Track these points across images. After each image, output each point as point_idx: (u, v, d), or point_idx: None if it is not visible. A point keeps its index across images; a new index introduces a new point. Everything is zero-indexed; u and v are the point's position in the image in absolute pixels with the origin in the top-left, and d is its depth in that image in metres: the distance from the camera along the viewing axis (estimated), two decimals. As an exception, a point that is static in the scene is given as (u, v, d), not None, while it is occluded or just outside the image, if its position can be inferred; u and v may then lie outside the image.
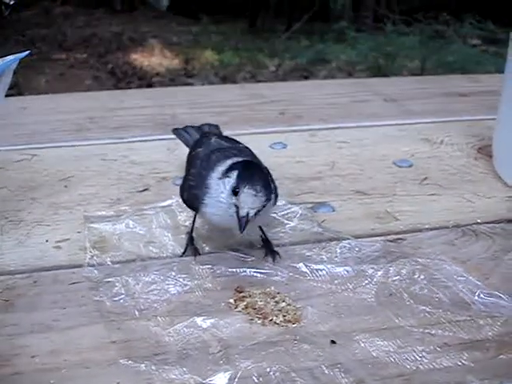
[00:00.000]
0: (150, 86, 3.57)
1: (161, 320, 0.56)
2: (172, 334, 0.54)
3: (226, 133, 0.76)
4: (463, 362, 0.52)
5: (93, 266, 0.63)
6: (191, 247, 0.66)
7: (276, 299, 0.58)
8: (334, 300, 0.59)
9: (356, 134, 0.97)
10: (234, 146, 0.69)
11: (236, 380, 0.49)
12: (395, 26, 4.13)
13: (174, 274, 0.62)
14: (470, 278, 0.62)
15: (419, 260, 0.65)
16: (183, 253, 0.66)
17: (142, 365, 0.50)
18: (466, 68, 3.29)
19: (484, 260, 0.66)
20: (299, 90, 1.21)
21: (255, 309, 0.57)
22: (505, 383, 0.50)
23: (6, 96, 0.72)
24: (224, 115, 1.03)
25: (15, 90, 2.76)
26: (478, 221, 0.73)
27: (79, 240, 0.68)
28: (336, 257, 0.65)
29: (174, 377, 0.49)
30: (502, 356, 0.52)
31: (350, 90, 1.19)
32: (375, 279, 0.62)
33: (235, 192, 0.58)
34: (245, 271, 0.63)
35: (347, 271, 0.63)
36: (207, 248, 0.67)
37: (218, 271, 0.63)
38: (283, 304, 0.58)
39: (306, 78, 3.67)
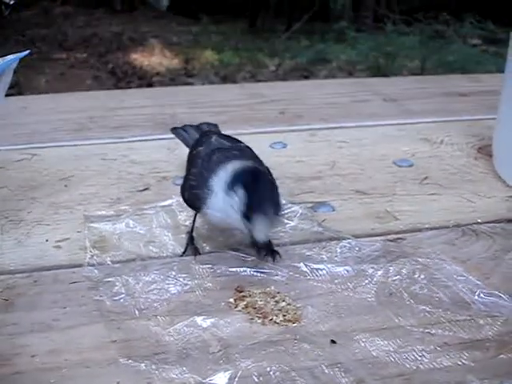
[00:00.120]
0: (150, 85, 3.57)
1: (161, 319, 0.56)
2: (172, 334, 0.54)
3: (226, 132, 0.76)
4: (463, 361, 0.51)
5: (93, 265, 0.63)
6: (191, 247, 0.66)
7: (276, 299, 0.58)
8: (334, 299, 0.59)
9: (356, 133, 0.97)
10: (235, 146, 0.68)
11: (236, 379, 0.49)
12: (395, 26, 4.13)
13: (174, 273, 0.62)
14: (470, 277, 0.62)
15: (419, 259, 0.65)
16: (183, 252, 0.66)
17: (142, 364, 0.50)
18: (466, 68, 3.29)
19: (484, 260, 0.66)
20: (299, 90, 1.21)
21: (255, 308, 0.57)
22: (505, 383, 0.50)
23: (7, 95, 0.72)
24: (224, 115, 1.03)
25: (15, 89, 2.76)
26: (479, 220, 0.73)
27: (79, 239, 0.68)
28: (336, 256, 0.65)
29: (174, 376, 0.49)
30: (502, 355, 0.52)
31: (350, 89, 1.19)
32: (375, 279, 0.62)
33: (247, 218, 0.58)
34: (245, 271, 0.63)
35: (347, 271, 0.63)
36: (207, 247, 0.67)
37: (218, 271, 0.63)
38: (283, 303, 0.58)
39: (306, 77, 3.67)
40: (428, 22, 4.05)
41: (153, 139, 0.93)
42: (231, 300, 0.58)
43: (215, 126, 0.81)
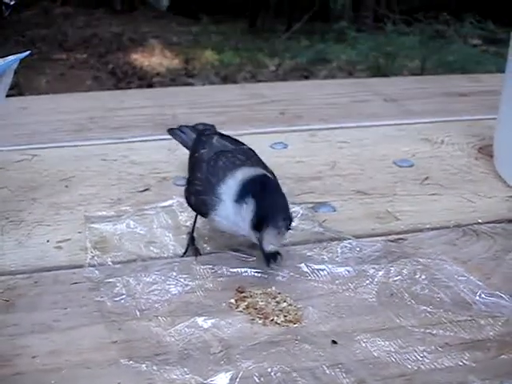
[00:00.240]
0: (150, 86, 3.57)
1: (162, 320, 0.56)
2: (173, 334, 0.54)
3: (226, 133, 0.76)
4: (464, 361, 0.51)
5: (94, 266, 0.63)
6: (192, 247, 0.66)
7: (277, 299, 0.58)
8: (335, 300, 0.59)
9: (356, 133, 0.97)
10: (239, 149, 0.68)
11: (237, 380, 0.49)
12: (395, 26, 4.13)
13: (174, 274, 0.62)
14: (471, 278, 0.62)
15: (420, 260, 0.65)
16: (184, 253, 0.66)
17: (143, 365, 0.50)
18: (467, 68, 3.29)
19: (485, 260, 0.66)
20: (299, 90, 1.21)
21: (256, 309, 0.57)
22: (505, 383, 0.50)
23: (7, 96, 0.72)
24: (224, 115, 1.03)
25: (16, 90, 2.76)
26: (479, 221, 0.73)
27: (80, 240, 0.68)
28: (337, 257, 0.65)
29: (175, 377, 0.49)
30: (503, 356, 0.52)
31: (350, 89, 1.19)
32: (376, 279, 0.62)
33: (256, 228, 0.58)
34: (246, 271, 0.63)
35: (348, 271, 0.63)
36: (208, 248, 0.67)
37: (219, 271, 0.63)
38: (284, 304, 0.58)
39: (307, 77, 3.67)
40: (428, 22, 4.05)
41: (153, 140, 0.93)
42: (232, 301, 0.58)
43: (212, 126, 0.81)
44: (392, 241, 0.69)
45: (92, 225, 0.70)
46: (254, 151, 0.68)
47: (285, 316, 0.56)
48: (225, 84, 3.32)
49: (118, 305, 0.58)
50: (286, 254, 0.65)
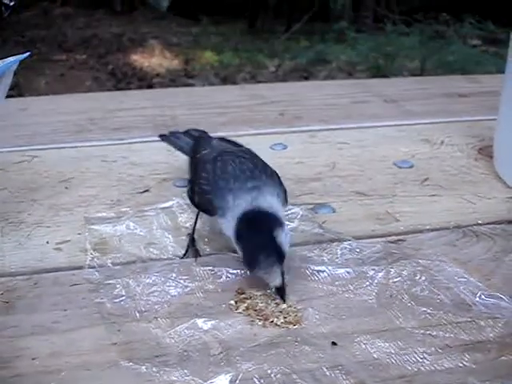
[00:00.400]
0: (150, 86, 3.58)
1: (161, 322, 0.56)
2: (173, 336, 0.54)
3: (226, 134, 0.76)
4: (464, 363, 0.51)
5: (93, 267, 0.63)
6: (192, 249, 0.66)
7: (277, 301, 0.58)
8: (334, 301, 0.59)
9: (356, 134, 0.97)
10: (240, 150, 0.68)
11: (237, 382, 0.49)
12: (395, 27, 4.13)
13: (174, 275, 0.62)
14: (471, 279, 0.62)
15: (420, 261, 0.65)
16: (184, 254, 0.66)
17: (143, 367, 0.50)
18: (466, 68, 3.29)
19: (485, 261, 0.66)
20: (299, 91, 1.21)
21: (256, 310, 0.57)
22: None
23: (7, 97, 0.72)
24: (224, 116, 1.03)
25: (15, 91, 2.77)
26: (479, 222, 0.73)
27: (80, 242, 0.68)
28: (337, 258, 0.65)
29: (174, 379, 0.49)
30: (503, 357, 0.52)
31: (349, 90, 1.19)
32: (376, 280, 0.62)
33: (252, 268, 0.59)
34: (246, 273, 0.63)
35: (348, 272, 0.63)
36: (208, 249, 0.67)
37: (219, 273, 0.63)
38: (284, 305, 0.58)
39: (306, 78, 3.67)
40: (428, 23, 4.05)
41: (153, 141, 0.92)
42: (232, 302, 0.58)
43: (204, 132, 0.80)
44: (392, 242, 0.69)
45: (92, 226, 0.70)
46: (254, 153, 0.68)
47: (285, 317, 0.56)
48: (224, 85, 3.32)
49: (117, 306, 0.57)
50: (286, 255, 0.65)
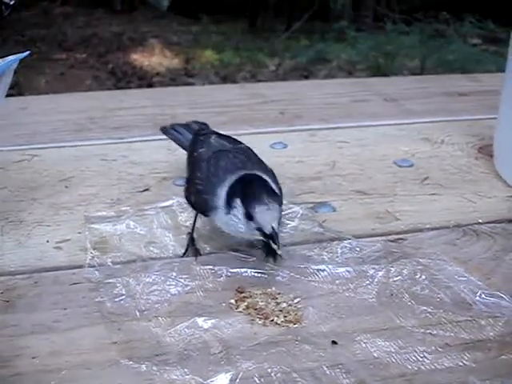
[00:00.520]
0: (150, 85, 3.57)
1: (162, 321, 0.56)
2: (173, 335, 0.54)
3: (226, 133, 0.76)
4: (465, 362, 0.51)
5: (93, 266, 0.63)
6: (192, 248, 0.66)
7: (277, 300, 0.58)
8: (335, 300, 0.59)
9: (356, 133, 0.97)
10: (238, 147, 0.68)
11: (237, 381, 0.49)
12: (395, 25, 4.13)
13: (174, 274, 0.62)
14: (471, 278, 0.62)
15: (420, 260, 0.65)
16: (184, 253, 0.66)
17: (143, 365, 0.50)
18: (466, 67, 3.29)
19: (485, 260, 0.66)
20: (299, 90, 1.21)
21: (256, 309, 0.57)
22: (506, 383, 0.50)
23: (7, 96, 0.72)
24: (224, 115, 1.03)
25: (15, 90, 2.76)
26: (479, 221, 0.73)
27: (80, 240, 0.68)
28: (337, 257, 0.65)
29: (175, 377, 0.49)
30: (503, 356, 0.52)
31: (350, 89, 1.19)
32: (376, 279, 0.62)
33: (250, 217, 0.58)
34: (246, 272, 0.63)
35: (348, 271, 0.63)
36: (208, 248, 0.67)
37: (219, 272, 0.63)
38: (284, 304, 0.58)
39: (306, 77, 3.67)
40: (428, 22, 4.05)
41: (153, 140, 0.93)
42: (232, 301, 0.58)
43: (205, 124, 0.80)
44: (392, 241, 0.69)
45: (92, 225, 0.70)
46: (251, 150, 0.68)
47: (285, 316, 0.56)
48: (225, 84, 3.32)
49: (117, 305, 0.57)
50: (286, 254, 0.65)
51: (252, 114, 1.05)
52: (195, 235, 0.67)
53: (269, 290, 0.60)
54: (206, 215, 0.64)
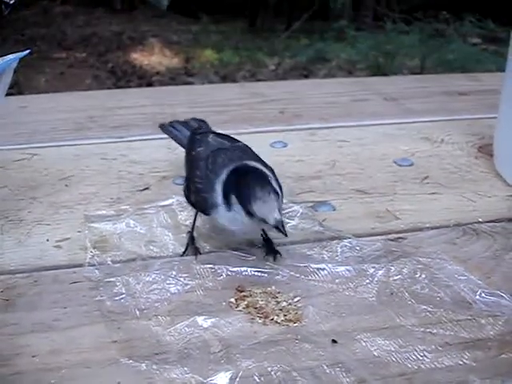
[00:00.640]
0: (149, 85, 3.57)
1: (162, 319, 0.56)
2: (173, 334, 0.54)
3: (226, 132, 0.76)
4: (465, 361, 0.51)
5: (93, 265, 0.63)
6: (192, 246, 0.66)
7: (277, 298, 0.58)
8: (335, 299, 0.59)
9: (356, 132, 0.97)
10: (236, 146, 0.68)
11: (237, 379, 0.49)
12: (395, 25, 4.12)
13: (174, 273, 0.62)
14: (471, 277, 0.62)
15: (420, 259, 0.65)
16: (184, 252, 0.66)
17: (143, 364, 0.50)
18: (466, 67, 3.29)
19: (485, 259, 0.66)
20: (299, 89, 1.21)
21: (256, 308, 0.57)
22: (506, 382, 0.50)
23: (6, 95, 0.72)
24: (224, 114, 1.03)
25: (15, 89, 2.76)
26: (479, 220, 0.73)
27: (80, 239, 0.68)
28: (337, 256, 0.65)
29: (175, 376, 0.49)
30: (503, 355, 0.52)
31: (349, 88, 1.19)
32: (376, 278, 0.62)
33: (250, 214, 0.58)
34: (246, 270, 0.63)
35: (348, 270, 0.63)
36: (208, 247, 0.67)
37: (219, 270, 0.62)
38: (284, 303, 0.58)
39: (306, 76, 3.67)
40: (428, 21, 4.04)
41: (153, 139, 0.93)
42: (232, 300, 0.58)
43: (203, 121, 0.81)
44: (392, 240, 0.69)
45: (92, 224, 0.70)
46: (250, 148, 0.68)
47: (285, 315, 0.56)
48: (224, 83, 3.32)
49: (117, 304, 0.57)
50: (286, 252, 0.65)
51: (252, 113, 1.05)
52: (195, 234, 0.67)
53: (269, 288, 0.60)
54: (206, 214, 0.64)
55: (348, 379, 0.49)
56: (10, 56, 0.69)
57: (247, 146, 0.69)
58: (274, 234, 0.67)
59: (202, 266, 0.63)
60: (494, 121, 0.89)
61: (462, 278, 0.62)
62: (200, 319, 0.55)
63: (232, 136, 0.72)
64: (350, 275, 0.62)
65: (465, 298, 0.59)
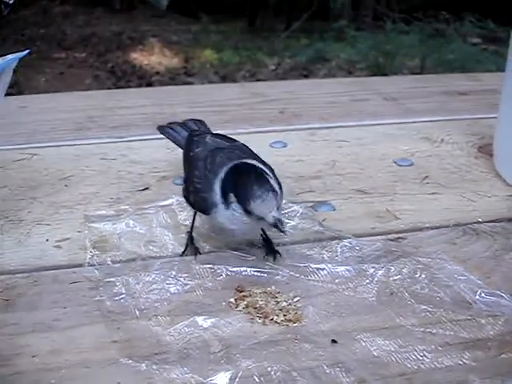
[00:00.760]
0: (149, 85, 3.57)
1: (161, 319, 0.56)
2: (173, 334, 0.54)
3: (225, 132, 0.76)
4: (464, 361, 0.51)
5: (93, 265, 0.63)
6: (191, 246, 0.66)
7: (277, 298, 0.58)
8: (334, 299, 0.59)
9: (356, 132, 0.97)
10: (234, 145, 0.68)
11: (237, 380, 0.49)
12: (395, 25, 4.12)
13: (174, 273, 0.62)
14: (471, 277, 0.62)
15: (420, 259, 0.65)
16: (183, 252, 0.66)
17: (143, 364, 0.50)
18: (466, 66, 3.29)
19: (485, 259, 0.66)
20: (299, 89, 1.21)
21: (256, 308, 0.57)
22: (506, 382, 0.50)
23: (6, 95, 0.72)
24: (224, 114, 1.03)
25: (15, 88, 2.76)
26: (479, 220, 0.73)
27: (79, 239, 0.68)
28: (337, 256, 0.65)
29: (174, 376, 0.49)
30: (503, 355, 0.52)
31: (349, 88, 1.19)
32: (376, 278, 0.62)
33: (249, 213, 0.59)
34: (245, 270, 0.63)
35: (348, 270, 0.63)
36: (207, 247, 0.67)
37: (219, 270, 0.62)
38: (284, 303, 0.58)
39: (306, 76, 3.67)
40: (428, 21, 4.04)
41: (152, 139, 0.92)
42: (232, 300, 0.58)
43: (201, 122, 0.81)
44: (392, 240, 0.69)
45: (91, 224, 0.70)
46: (248, 147, 0.68)
47: (284, 315, 0.56)
48: (224, 83, 3.32)
49: (117, 304, 0.57)
50: (286, 252, 0.65)
51: (251, 113, 1.05)
52: (194, 234, 0.67)
53: (268, 288, 0.60)
54: (206, 213, 0.64)
55: (348, 379, 0.49)
56: (10, 56, 0.69)
57: (245, 145, 0.69)
58: (273, 234, 0.67)
59: (202, 266, 0.63)
60: (494, 121, 0.89)
61: (462, 277, 0.62)
62: (200, 319, 0.55)
63: (230, 136, 0.72)
64: (350, 275, 0.62)
65: (465, 298, 0.59)
